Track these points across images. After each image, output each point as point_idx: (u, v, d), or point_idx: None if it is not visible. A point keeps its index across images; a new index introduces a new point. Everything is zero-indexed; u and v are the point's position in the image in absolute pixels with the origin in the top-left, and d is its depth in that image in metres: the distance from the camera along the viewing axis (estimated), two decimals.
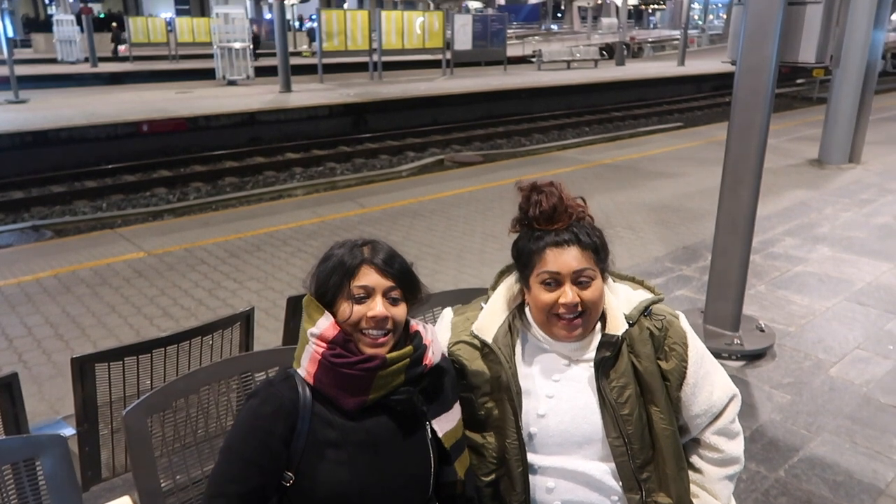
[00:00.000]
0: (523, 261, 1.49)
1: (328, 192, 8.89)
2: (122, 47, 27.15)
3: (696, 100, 20.77)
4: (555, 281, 1.43)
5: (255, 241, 5.82)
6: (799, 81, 23.00)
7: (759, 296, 4.54)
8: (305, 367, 1.36)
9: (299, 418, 1.32)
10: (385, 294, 1.35)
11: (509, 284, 1.58)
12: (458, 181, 8.21)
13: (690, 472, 1.56)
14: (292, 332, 2.36)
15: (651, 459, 1.50)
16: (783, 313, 4.28)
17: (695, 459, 1.57)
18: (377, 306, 1.33)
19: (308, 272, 1.42)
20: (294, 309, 2.33)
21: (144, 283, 4.87)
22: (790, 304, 4.43)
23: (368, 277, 1.34)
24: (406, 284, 1.39)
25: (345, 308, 1.34)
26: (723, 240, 3.77)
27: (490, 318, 1.55)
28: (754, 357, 3.65)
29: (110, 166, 11.23)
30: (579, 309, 1.43)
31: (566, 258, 1.43)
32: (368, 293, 1.34)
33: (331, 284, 1.36)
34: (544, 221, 1.45)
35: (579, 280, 1.43)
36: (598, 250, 1.47)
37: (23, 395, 1.95)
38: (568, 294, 1.42)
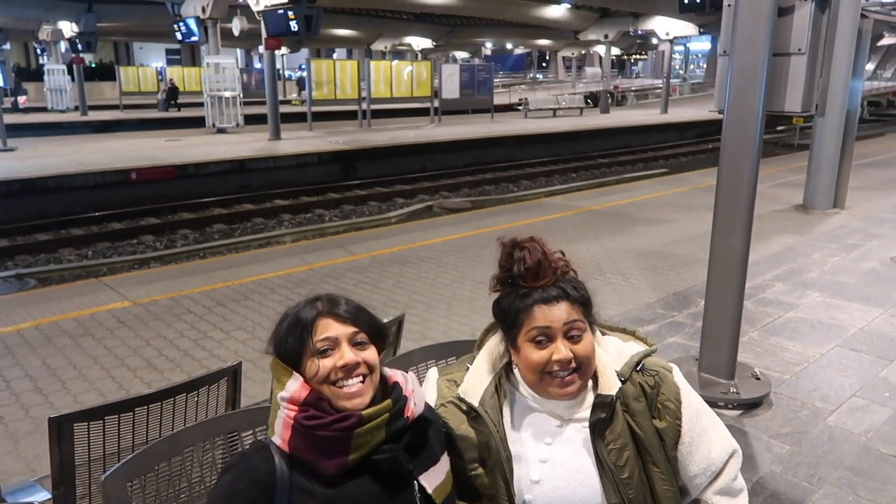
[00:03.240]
0: (509, 320, 1.43)
1: (317, 239, 8.86)
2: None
3: (680, 146, 21.14)
4: (546, 337, 1.38)
5: (242, 289, 5.75)
6: (780, 128, 23.47)
7: (752, 343, 4.51)
8: (280, 435, 1.29)
9: (277, 492, 1.25)
10: (350, 341, 1.30)
11: (495, 343, 1.52)
12: (447, 227, 8.20)
13: None
14: None
15: None
16: (777, 360, 4.24)
17: None
18: (344, 353, 1.29)
19: (269, 337, 1.37)
20: None
21: (129, 334, 4.77)
22: (784, 351, 4.39)
23: (329, 329, 1.30)
24: (369, 327, 1.34)
25: (311, 365, 1.28)
26: (715, 287, 3.75)
27: (476, 380, 1.48)
28: (751, 406, 3.59)
29: (97, 214, 11.17)
30: (573, 365, 1.38)
31: (556, 313, 1.38)
32: (333, 344, 1.29)
33: (290, 345, 1.31)
34: (530, 278, 1.40)
35: (570, 334, 1.38)
36: (586, 304, 1.43)
37: None
38: (561, 350, 1.37)
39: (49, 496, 2.00)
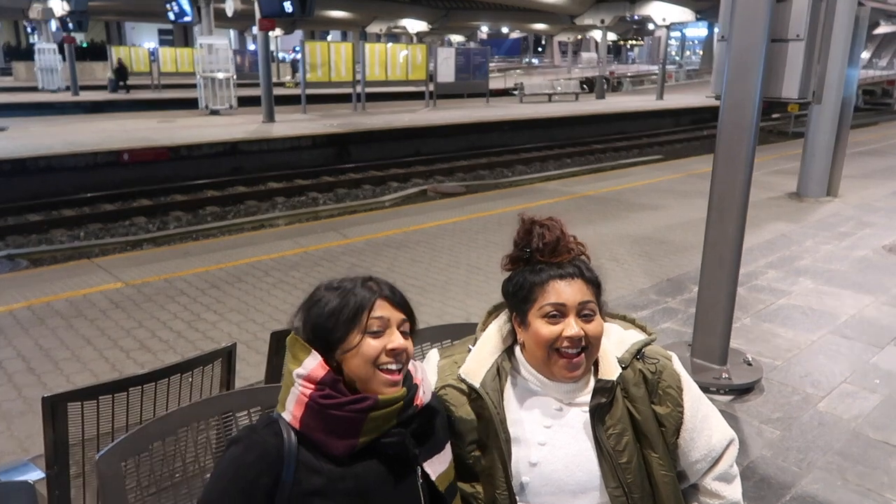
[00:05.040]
0: (522, 295, 1.43)
1: (311, 223, 8.82)
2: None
3: (676, 133, 21.12)
4: (560, 313, 1.39)
5: (236, 271, 5.73)
6: (774, 116, 23.48)
7: (744, 329, 4.53)
8: (291, 411, 1.29)
9: (284, 466, 1.25)
10: (399, 326, 1.32)
11: (499, 325, 1.53)
12: (441, 212, 8.19)
13: None
14: (275, 370, 2.28)
15: None
16: (769, 347, 4.27)
17: None
18: (396, 337, 1.30)
19: (294, 312, 1.36)
20: (278, 344, 2.25)
21: (121, 315, 4.75)
22: (776, 338, 4.42)
23: (384, 310, 1.31)
24: (411, 317, 1.37)
25: (360, 345, 1.28)
26: (709, 273, 3.76)
27: (478, 362, 1.49)
28: (743, 391, 3.62)
29: (89, 195, 11.08)
30: (583, 344, 1.39)
31: (573, 290, 1.39)
32: (385, 325, 1.30)
33: (342, 321, 1.29)
34: (547, 254, 1.42)
35: (583, 313, 1.39)
36: (598, 286, 1.44)
37: None
38: (573, 326, 1.38)
39: (43, 475, 2.00)
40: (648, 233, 7.11)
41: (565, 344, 1.38)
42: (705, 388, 3.52)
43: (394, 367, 1.29)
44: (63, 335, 4.42)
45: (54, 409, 1.89)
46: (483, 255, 6.02)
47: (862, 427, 3.33)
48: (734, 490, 1.51)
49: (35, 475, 2.16)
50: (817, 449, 3.13)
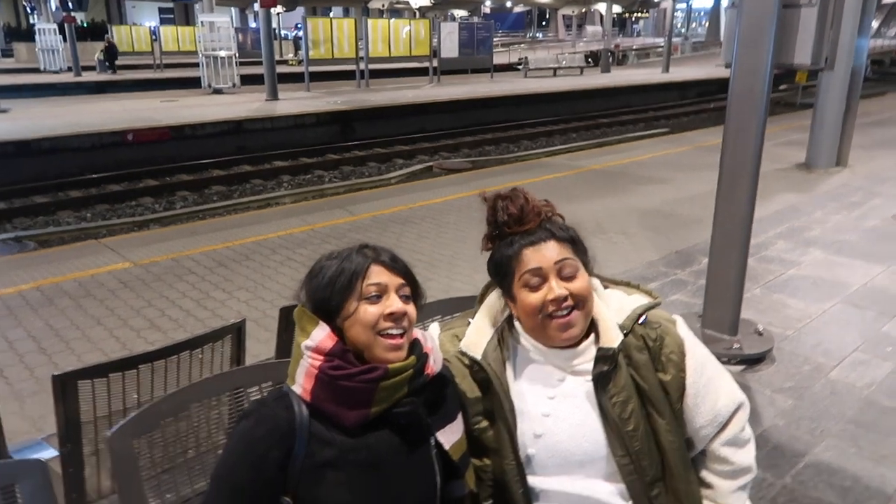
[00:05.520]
0: (502, 270, 1.42)
1: (316, 200, 8.79)
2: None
3: (682, 106, 20.89)
4: (539, 278, 1.37)
5: (243, 249, 5.72)
6: (782, 87, 23.20)
7: (754, 299, 4.51)
8: (301, 384, 1.27)
9: (296, 439, 1.24)
10: (398, 291, 1.30)
11: (496, 297, 1.51)
12: (447, 188, 8.14)
13: (702, 488, 1.49)
14: (285, 345, 2.27)
15: (661, 475, 1.43)
16: (780, 317, 4.25)
17: (705, 474, 1.49)
18: (393, 301, 1.28)
19: (299, 286, 1.35)
20: (287, 320, 2.24)
21: (130, 295, 4.76)
22: (786, 308, 4.39)
23: (380, 275, 1.29)
24: (412, 282, 1.34)
25: (359, 312, 1.27)
26: (720, 243, 3.73)
27: (478, 334, 1.47)
28: (754, 361, 3.61)
29: (95, 176, 11.07)
30: (569, 302, 1.36)
31: (545, 252, 1.37)
32: (382, 291, 1.28)
33: (337, 288, 1.28)
34: (514, 224, 1.40)
35: (563, 273, 1.37)
36: (575, 242, 1.42)
37: (0, 416, 1.85)
38: (555, 288, 1.36)
39: (56, 454, 2.00)
40: (656, 206, 7.05)
41: (551, 308, 1.36)
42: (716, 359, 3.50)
43: (395, 331, 1.27)
44: (73, 315, 4.43)
45: (64, 387, 1.88)
46: None
47: (875, 395, 3.31)
48: (745, 455, 1.47)
49: (48, 453, 2.17)
50: (830, 417, 3.12)
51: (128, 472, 1.55)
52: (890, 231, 6.07)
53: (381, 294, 1.28)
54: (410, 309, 1.31)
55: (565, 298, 1.36)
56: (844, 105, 8.40)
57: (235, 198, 10.48)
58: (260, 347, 3.70)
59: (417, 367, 1.30)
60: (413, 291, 1.34)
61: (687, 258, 5.37)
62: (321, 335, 1.27)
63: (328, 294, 1.29)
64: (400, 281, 1.31)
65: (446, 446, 1.34)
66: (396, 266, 1.32)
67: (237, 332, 2.24)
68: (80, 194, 10.37)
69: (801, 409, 3.19)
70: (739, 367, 3.56)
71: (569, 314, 1.37)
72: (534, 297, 1.37)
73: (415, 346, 1.34)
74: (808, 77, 15.99)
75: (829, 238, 5.86)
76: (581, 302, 1.38)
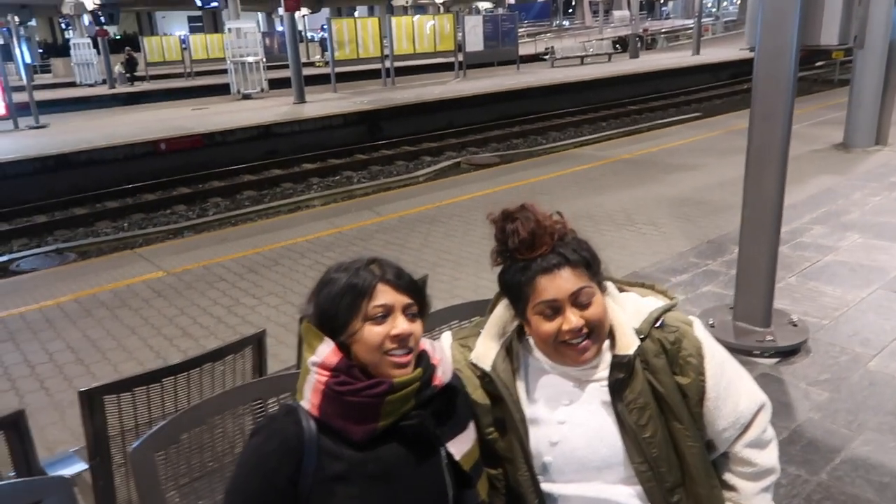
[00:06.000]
0: (514, 294, 1.40)
1: (345, 202, 8.85)
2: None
3: (714, 89, 20.49)
4: (553, 309, 1.34)
5: (272, 255, 5.79)
6: (818, 64, 22.57)
7: (789, 288, 4.40)
8: (309, 399, 1.29)
9: (305, 454, 1.25)
10: (404, 311, 1.29)
11: (505, 306, 1.48)
12: (475, 184, 8.12)
13: (724, 491, 1.46)
14: None
15: (681, 481, 1.40)
16: (816, 306, 4.13)
17: (728, 476, 1.47)
18: (399, 322, 1.27)
19: (307, 297, 1.35)
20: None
21: (163, 303, 4.86)
22: (822, 296, 4.27)
23: (385, 296, 1.28)
24: (419, 299, 1.33)
25: (363, 332, 1.27)
26: (749, 232, 3.64)
27: (487, 345, 1.46)
28: (788, 353, 3.51)
29: (130, 186, 11.32)
30: (585, 331, 1.34)
31: (559, 282, 1.33)
32: (388, 311, 1.28)
33: (342, 307, 1.28)
34: (526, 250, 1.35)
35: (579, 301, 1.34)
36: (589, 265, 1.37)
37: (31, 430, 1.91)
38: (571, 319, 1.33)
39: (86, 466, 2.05)
40: (687, 194, 6.93)
41: (568, 336, 1.34)
42: (748, 352, 3.43)
43: (400, 352, 1.27)
44: (109, 325, 4.54)
45: (91, 402, 1.93)
46: None
47: None
48: (768, 456, 1.45)
49: (79, 467, 2.22)
50: (868, 409, 3.03)
51: (150, 485, 1.58)
52: None
53: (386, 314, 1.27)
54: (416, 327, 1.30)
55: (581, 328, 1.34)
56: (883, 81, 8.13)
57: (266, 202, 10.61)
58: (288, 353, 3.74)
59: (424, 378, 1.30)
60: (420, 307, 1.33)
61: (719, 247, 5.26)
62: (326, 351, 1.28)
63: (334, 311, 1.29)
64: (406, 300, 1.30)
65: (457, 456, 1.34)
66: (402, 283, 1.31)
67: (258, 343, 2.26)
68: (116, 205, 10.62)
69: (838, 402, 3.10)
70: (773, 360, 3.47)
71: (583, 341, 1.35)
72: (549, 326, 1.35)
73: (422, 357, 1.34)
74: (845, 53, 15.53)
75: (868, 221, 5.69)
76: (597, 328, 1.36)
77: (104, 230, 9.63)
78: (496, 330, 1.47)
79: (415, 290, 1.32)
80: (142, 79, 26.52)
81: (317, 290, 1.34)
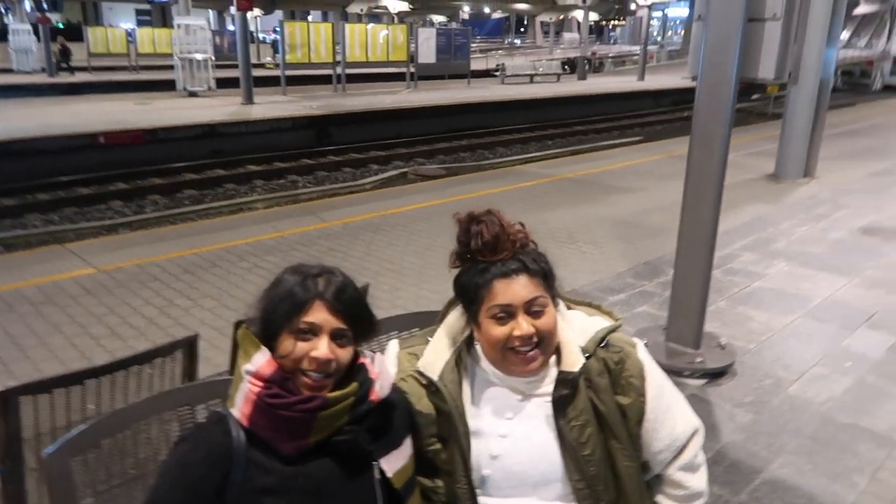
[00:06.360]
0: (469, 296, 1.40)
1: (289, 206, 8.73)
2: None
3: (656, 114, 21.12)
4: (507, 314, 1.35)
5: (211, 256, 5.65)
6: (754, 97, 23.53)
7: (719, 312, 4.55)
8: (240, 408, 1.25)
9: (233, 465, 1.21)
10: (333, 335, 1.25)
11: (456, 316, 1.49)
12: (421, 195, 8.13)
13: None
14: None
15: (616, 500, 1.43)
16: (743, 330, 4.29)
17: (660, 498, 1.51)
18: (322, 347, 1.23)
19: (257, 297, 1.31)
20: None
21: (92, 302, 4.67)
22: (749, 321, 4.43)
23: (317, 314, 1.23)
24: (357, 324, 1.28)
25: (287, 343, 1.24)
26: (685, 256, 3.76)
27: (436, 355, 1.46)
28: (716, 375, 3.63)
29: (64, 179, 10.88)
30: (535, 340, 1.36)
31: (516, 288, 1.35)
32: (315, 332, 1.24)
33: (279, 314, 1.25)
34: (488, 253, 1.36)
35: (532, 309, 1.36)
36: (546, 276, 1.40)
37: None
38: (522, 325, 1.34)
39: None
40: (627, 216, 7.10)
41: (517, 343, 1.35)
42: (679, 373, 3.52)
43: (316, 375, 1.23)
44: (32, 322, 4.34)
45: (6, 403, 1.83)
46: None
47: (832, 411, 3.35)
48: (699, 480, 1.50)
49: None
50: (787, 433, 3.15)
51: (64, 492, 1.51)
52: (854, 244, 6.17)
53: (312, 334, 1.24)
54: (342, 354, 1.26)
55: (531, 337, 1.35)
56: (813, 116, 8.53)
57: (207, 202, 10.37)
58: (222, 358, 3.61)
59: (360, 393, 1.28)
60: (356, 334, 1.29)
61: (655, 269, 5.41)
62: (261, 361, 1.25)
63: (272, 315, 1.26)
64: (337, 325, 1.25)
65: (389, 473, 1.32)
66: (339, 306, 1.25)
67: (189, 347, 2.20)
68: (48, 197, 10.19)
69: (760, 425, 3.21)
70: (701, 381, 3.58)
71: (532, 350, 1.36)
72: (499, 331, 1.36)
73: (359, 371, 1.32)
74: (779, 87, 16.23)
75: (794, 250, 5.94)
76: (547, 338, 1.37)
77: (33, 223, 9.23)
78: (446, 339, 1.47)
79: (353, 314, 1.27)
80: (83, 69, 25.59)
81: (268, 288, 1.30)
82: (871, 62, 32.43)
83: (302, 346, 1.23)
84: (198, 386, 1.91)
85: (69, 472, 1.52)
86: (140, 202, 10.30)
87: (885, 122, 15.60)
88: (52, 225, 9.14)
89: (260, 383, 1.23)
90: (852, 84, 31.12)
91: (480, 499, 1.43)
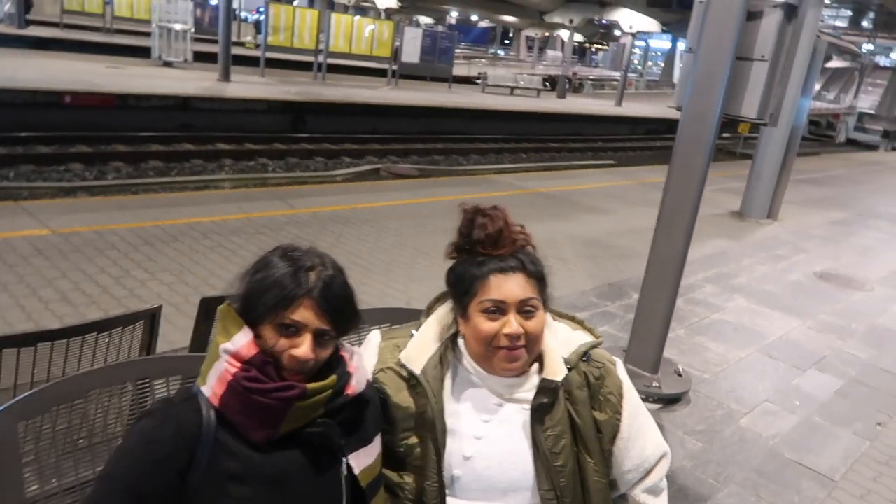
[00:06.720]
0: (463, 287, 1.38)
1: (257, 189, 8.59)
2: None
3: (630, 140, 21.43)
4: (498, 310, 1.34)
5: (173, 230, 5.51)
6: (725, 135, 24.09)
7: (678, 340, 4.61)
8: (212, 387, 1.19)
9: (200, 446, 1.16)
10: (316, 335, 1.20)
11: (444, 312, 1.47)
12: (393, 192, 8.08)
13: None
14: (202, 338, 2.17)
15: None
16: (700, 359, 4.35)
17: None
18: (303, 346, 1.18)
19: (240, 275, 1.25)
20: (207, 312, 2.13)
21: (44, 263, 4.50)
22: (707, 351, 4.51)
23: (303, 313, 1.18)
24: (342, 325, 1.24)
25: (268, 335, 1.19)
26: (652, 281, 3.79)
27: (420, 348, 1.43)
28: (671, 401, 3.68)
29: (23, 134, 10.50)
30: (523, 341, 1.34)
31: (511, 286, 1.34)
32: (298, 329, 1.19)
33: (264, 303, 1.19)
34: (489, 246, 1.36)
35: (524, 309, 1.34)
36: (541, 280, 1.39)
37: None
38: (512, 323, 1.33)
39: None
40: (595, 236, 7.17)
41: (504, 341, 1.34)
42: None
43: (294, 369, 1.20)
44: None
45: None
46: (430, 240, 5.95)
47: (779, 446, 3.42)
48: (661, 503, 1.50)
49: None
50: (735, 464, 3.20)
51: (7, 460, 1.44)
52: (811, 287, 6.34)
53: (296, 331, 1.19)
54: (323, 353, 1.22)
55: (519, 336, 1.33)
56: (782, 160, 8.76)
57: (173, 175, 10.13)
58: (176, 334, 3.55)
59: (337, 386, 1.24)
60: (339, 331, 1.25)
61: (619, 291, 5.46)
62: (243, 341, 1.19)
63: (258, 301, 1.20)
64: (322, 326, 1.20)
65: (356, 470, 1.28)
66: (326, 307, 1.20)
67: (151, 319, 2.12)
68: (5, 152, 9.80)
69: (710, 454, 3.26)
70: (656, 406, 3.62)
71: (517, 349, 1.34)
72: (488, 326, 1.34)
73: (338, 364, 1.27)
74: (750, 128, 16.67)
75: (753, 287, 6.07)
76: (533, 341, 1.36)
77: None
78: (433, 334, 1.44)
79: (340, 315, 1.23)
80: (55, 24, 24.78)
81: (253, 269, 1.24)
82: (837, 115, 33.56)
83: (283, 343, 1.19)
84: (157, 360, 1.83)
85: (14, 438, 1.44)
86: (102, 168, 9.99)
87: (847, 174, 16.13)
88: (5, 180, 8.81)
89: (238, 364, 1.18)
90: (818, 134, 32.14)
91: (448, 499, 1.40)
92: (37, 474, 1.58)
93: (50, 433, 1.58)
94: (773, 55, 3.67)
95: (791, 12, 3.69)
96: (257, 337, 1.20)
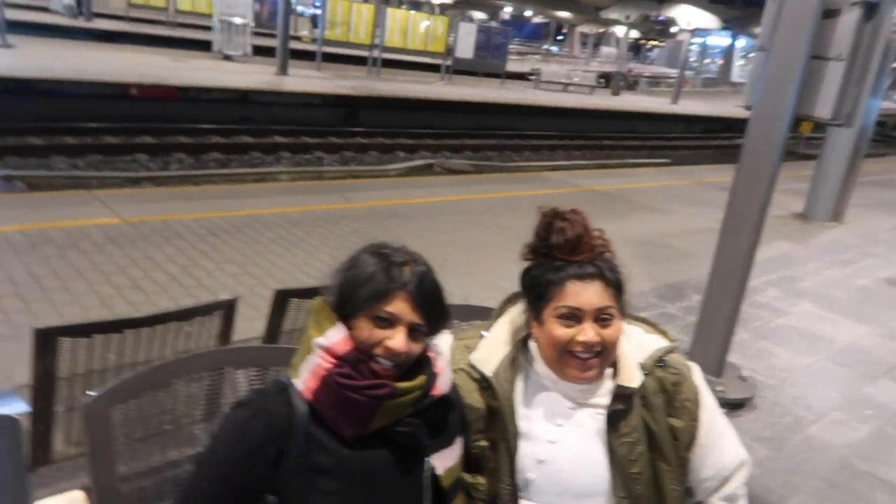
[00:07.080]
0: (538, 291, 1.37)
1: (313, 182, 8.73)
2: None
3: (687, 139, 20.98)
4: (574, 317, 1.32)
5: (236, 221, 5.64)
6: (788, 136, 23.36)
7: (741, 343, 4.50)
8: (305, 381, 1.22)
9: (291, 438, 1.19)
10: (410, 328, 1.22)
11: (516, 314, 1.46)
12: (447, 188, 8.10)
13: None
14: (274, 330, 2.22)
15: None
16: (765, 365, 4.24)
17: None
18: (399, 339, 1.20)
19: (334, 270, 1.28)
20: (281, 305, 2.19)
21: (116, 251, 4.67)
22: (772, 356, 4.39)
23: (399, 305, 1.21)
24: (434, 320, 1.26)
25: (363, 327, 1.21)
26: (716, 283, 3.71)
27: (491, 350, 1.43)
28: (735, 406, 3.60)
29: (92, 125, 10.89)
30: (597, 349, 1.33)
31: (589, 294, 1.32)
32: (393, 321, 1.21)
33: (359, 297, 1.21)
34: (567, 252, 1.34)
35: (601, 318, 1.33)
36: (620, 288, 1.37)
37: None
38: (588, 332, 1.31)
39: (26, 407, 1.93)
40: (652, 236, 7.05)
41: (578, 348, 1.32)
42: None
43: (385, 363, 1.21)
44: (55, 264, 4.34)
45: (45, 342, 1.82)
46: (485, 237, 5.94)
47: (850, 456, 3.31)
48: None
49: (18, 407, 2.09)
50: (804, 473, 3.11)
51: (102, 440, 1.50)
52: (879, 293, 6.11)
53: (391, 323, 1.21)
54: (416, 347, 1.24)
55: (595, 345, 1.32)
56: (849, 161, 8.45)
57: (233, 167, 10.37)
58: (242, 324, 3.59)
59: (425, 387, 1.26)
60: (431, 327, 1.26)
61: (678, 292, 5.36)
62: (337, 337, 1.22)
63: (350, 295, 1.23)
64: (416, 320, 1.22)
65: (439, 470, 1.30)
66: (421, 301, 1.23)
67: (228, 310, 2.18)
68: (74, 141, 10.19)
69: (777, 461, 3.18)
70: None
71: (592, 358, 1.33)
72: (564, 332, 1.33)
73: (425, 365, 1.29)
74: (813, 128, 16.12)
75: (819, 292, 5.88)
76: (609, 349, 1.35)
77: (58, 165, 9.24)
78: (504, 336, 1.44)
79: (433, 310, 1.25)
80: (121, 18, 25.55)
81: (345, 267, 1.27)
82: None
83: (378, 333, 1.21)
84: (235, 350, 1.89)
85: (109, 420, 1.50)
86: (166, 158, 10.29)
87: None
88: (76, 170, 9.15)
89: (332, 360, 1.20)
90: (884, 135, 30.89)
91: (521, 502, 1.40)
92: (125, 455, 1.64)
93: (140, 418, 1.64)
94: (851, 54, 3.55)
95: (870, 11, 3.56)
96: (350, 331, 1.22)
